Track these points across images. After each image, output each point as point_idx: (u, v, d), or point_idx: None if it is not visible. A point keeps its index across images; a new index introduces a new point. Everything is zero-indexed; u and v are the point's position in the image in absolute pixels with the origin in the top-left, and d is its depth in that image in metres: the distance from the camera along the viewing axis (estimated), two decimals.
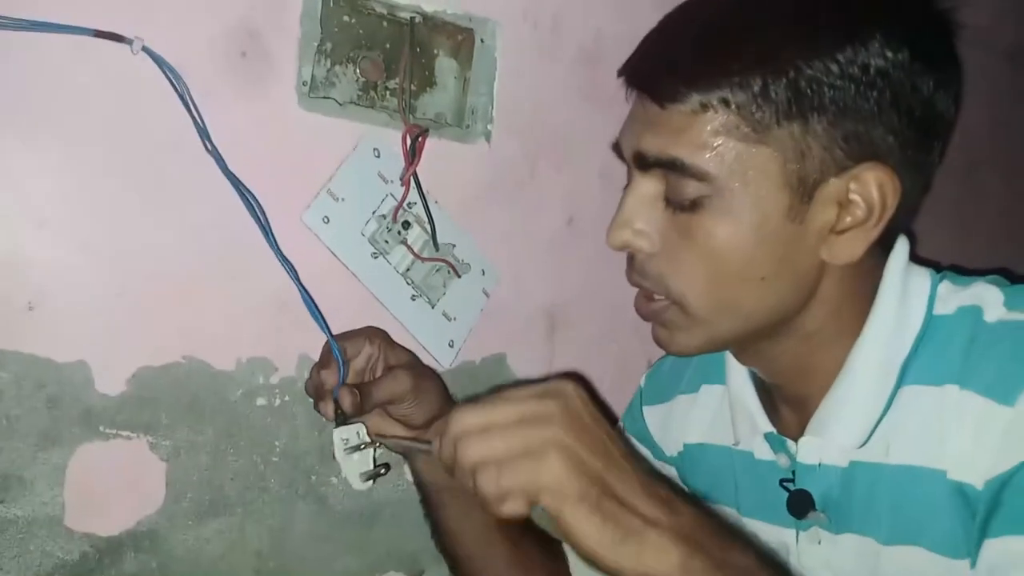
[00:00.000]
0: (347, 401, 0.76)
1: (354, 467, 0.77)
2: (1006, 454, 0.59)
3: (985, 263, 0.92)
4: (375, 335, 0.82)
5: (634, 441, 0.93)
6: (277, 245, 0.79)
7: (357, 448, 0.76)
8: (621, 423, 0.96)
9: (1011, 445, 0.59)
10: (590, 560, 0.56)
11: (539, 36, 0.98)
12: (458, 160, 0.93)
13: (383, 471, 0.78)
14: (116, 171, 0.77)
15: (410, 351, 0.86)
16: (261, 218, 0.78)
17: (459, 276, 0.93)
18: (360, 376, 0.81)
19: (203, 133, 0.77)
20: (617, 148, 0.70)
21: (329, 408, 0.77)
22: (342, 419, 0.77)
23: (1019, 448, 0.58)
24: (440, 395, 0.84)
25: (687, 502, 0.57)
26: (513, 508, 0.56)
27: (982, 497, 0.60)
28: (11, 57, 0.72)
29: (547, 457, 0.55)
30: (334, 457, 0.77)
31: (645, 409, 0.91)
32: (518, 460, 0.55)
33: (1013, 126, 1.55)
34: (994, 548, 0.58)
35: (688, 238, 0.65)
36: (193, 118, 0.77)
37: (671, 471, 0.89)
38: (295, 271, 0.79)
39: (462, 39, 0.92)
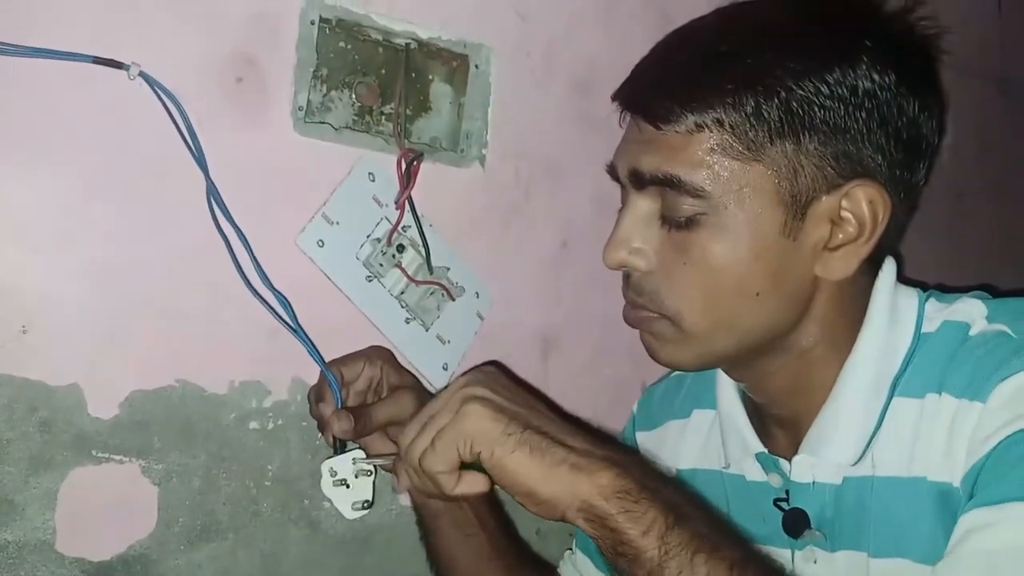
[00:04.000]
0: (336, 426, 0.76)
1: (346, 496, 0.77)
2: (978, 446, 0.60)
3: (975, 286, 0.93)
4: (377, 357, 0.82)
5: None
6: (267, 277, 0.79)
7: (343, 482, 0.77)
8: None
9: (982, 436, 0.59)
10: (528, 499, 0.60)
11: (532, 64, 0.99)
12: (453, 184, 0.94)
13: (366, 505, 0.78)
14: (110, 196, 0.77)
15: (413, 375, 0.86)
16: (236, 255, 0.79)
17: (453, 299, 0.94)
18: (362, 398, 0.81)
19: (198, 159, 0.78)
20: (612, 170, 0.71)
21: (329, 435, 0.77)
22: (339, 445, 0.77)
23: (988, 439, 0.59)
24: None
25: (614, 444, 0.62)
26: (448, 467, 0.62)
27: (960, 494, 0.61)
28: (7, 83, 0.73)
29: (466, 409, 0.62)
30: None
31: (638, 435, 0.91)
32: (446, 426, 0.62)
33: (1002, 152, 1.57)
34: (960, 523, 0.58)
35: (684, 255, 0.66)
36: (187, 144, 0.77)
37: None
38: (287, 301, 0.80)
39: (457, 65, 0.93)
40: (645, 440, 0.90)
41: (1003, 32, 1.57)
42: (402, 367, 0.86)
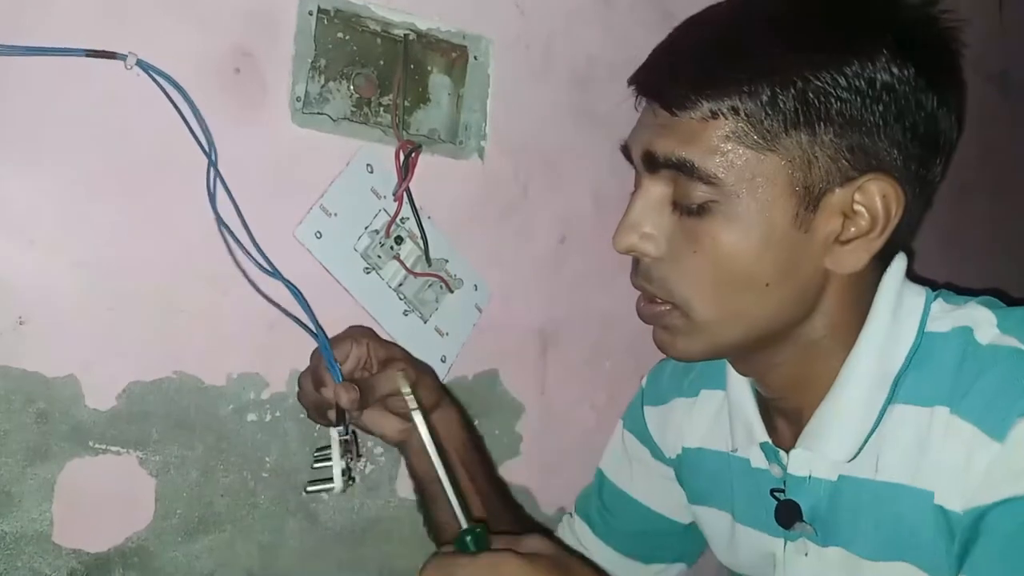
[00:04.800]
0: (344, 397, 0.74)
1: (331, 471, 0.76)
2: (988, 488, 0.59)
3: (977, 282, 0.93)
4: (361, 336, 0.81)
5: (634, 439, 0.93)
6: (273, 265, 0.79)
7: (327, 458, 0.75)
8: (621, 422, 0.96)
9: (993, 480, 0.59)
10: None
11: (531, 58, 0.99)
12: (451, 176, 0.94)
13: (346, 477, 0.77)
14: (107, 188, 0.77)
15: (399, 346, 0.86)
16: (237, 245, 0.78)
17: (451, 291, 0.94)
18: (350, 378, 0.81)
19: (201, 144, 0.77)
20: (625, 150, 0.71)
21: (332, 412, 0.76)
22: (342, 417, 0.76)
23: (1000, 485, 0.58)
24: (437, 389, 0.84)
25: None
26: None
27: (962, 522, 0.60)
28: (5, 79, 0.73)
29: None
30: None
31: (646, 409, 0.91)
32: None
33: (1001, 150, 1.57)
34: None
35: (695, 243, 0.65)
36: (189, 127, 0.77)
37: (669, 472, 0.89)
38: (297, 289, 0.79)
39: (456, 56, 0.93)
40: (652, 415, 0.90)
41: (1003, 31, 1.57)
42: (386, 341, 0.85)
